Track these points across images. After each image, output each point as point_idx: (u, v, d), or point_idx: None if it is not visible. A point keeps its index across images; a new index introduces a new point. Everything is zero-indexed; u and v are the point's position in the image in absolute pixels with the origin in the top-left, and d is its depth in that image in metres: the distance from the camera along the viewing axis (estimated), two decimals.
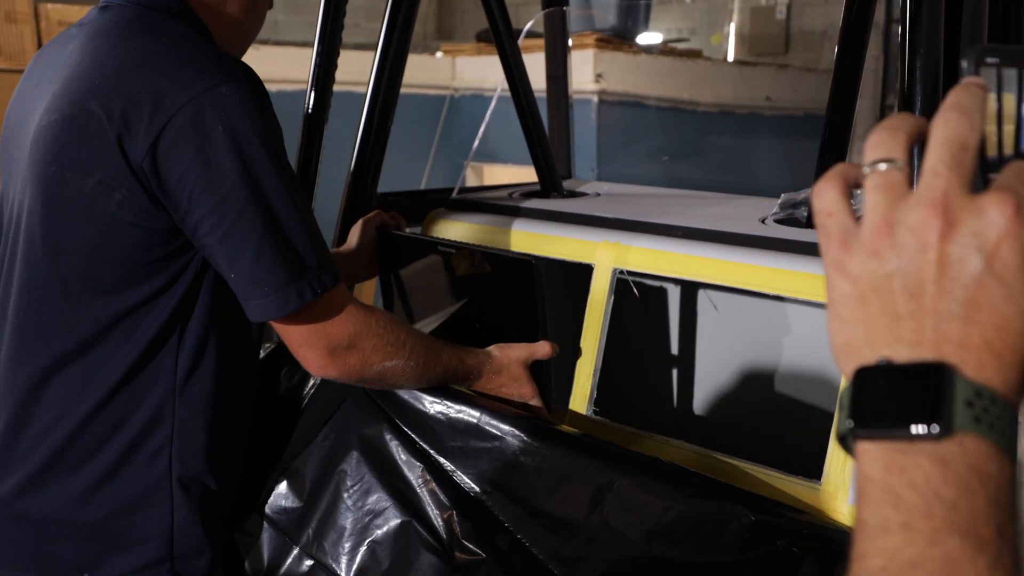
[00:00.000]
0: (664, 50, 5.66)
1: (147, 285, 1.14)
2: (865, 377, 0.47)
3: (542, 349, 1.38)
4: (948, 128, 0.47)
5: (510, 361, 1.37)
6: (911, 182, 0.49)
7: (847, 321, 0.48)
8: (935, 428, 0.44)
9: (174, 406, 1.18)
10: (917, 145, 0.50)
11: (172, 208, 1.11)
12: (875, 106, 6.65)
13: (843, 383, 0.50)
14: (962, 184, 0.46)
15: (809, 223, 1.42)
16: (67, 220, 1.12)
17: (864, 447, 0.46)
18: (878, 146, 0.50)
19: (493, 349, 1.37)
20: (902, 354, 0.46)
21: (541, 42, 2.27)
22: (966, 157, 0.47)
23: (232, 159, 1.07)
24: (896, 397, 0.45)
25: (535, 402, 1.39)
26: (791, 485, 1.22)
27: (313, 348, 1.15)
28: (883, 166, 0.49)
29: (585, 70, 4.69)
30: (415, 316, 1.69)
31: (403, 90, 1.80)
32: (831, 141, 1.38)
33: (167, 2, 1.18)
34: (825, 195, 0.51)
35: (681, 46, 6.04)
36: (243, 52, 1.33)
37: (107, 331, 1.15)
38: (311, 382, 1.32)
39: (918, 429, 0.44)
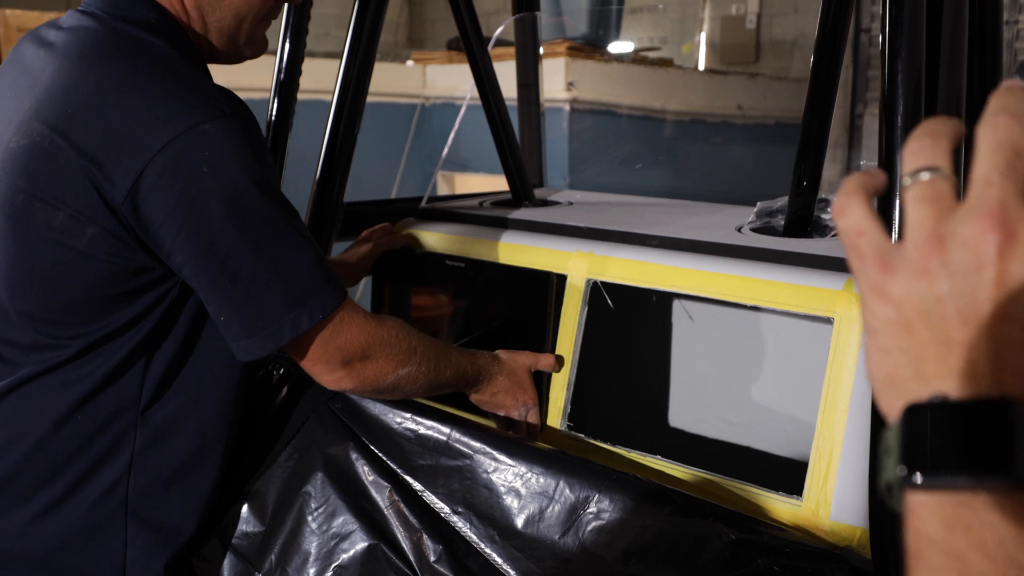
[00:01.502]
0: (636, 59, 5.67)
1: (117, 315, 1.09)
2: (917, 416, 0.40)
3: (546, 360, 1.38)
4: (998, 133, 0.42)
5: (517, 365, 1.35)
6: (958, 192, 0.43)
7: (890, 351, 0.42)
8: (1007, 478, 0.38)
9: (135, 434, 1.13)
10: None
11: (155, 248, 1.05)
12: (845, 115, 6.70)
13: (889, 422, 0.43)
14: (1018, 193, 0.41)
15: (787, 231, 1.39)
16: (32, 249, 1.06)
17: (919, 500, 0.40)
18: (918, 153, 0.44)
19: (500, 353, 1.36)
20: (958, 388, 0.40)
21: (512, 50, 2.24)
22: (1020, 163, 0.41)
23: (218, 201, 1.02)
24: (957, 440, 0.39)
25: (533, 413, 1.37)
26: (771, 501, 1.19)
27: (327, 364, 1.12)
28: (926, 175, 0.44)
29: (557, 78, 4.68)
30: (423, 330, 1.66)
31: (373, 99, 1.76)
32: (808, 147, 1.36)
33: (148, 14, 1.10)
34: (851, 212, 0.45)
35: (652, 55, 6.06)
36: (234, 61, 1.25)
37: (71, 358, 1.09)
38: (274, 400, 1.27)
39: (988, 479, 0.38)
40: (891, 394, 0.43)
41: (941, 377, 0.40)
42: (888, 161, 1.00)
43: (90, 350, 1.09)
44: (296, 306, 1.06)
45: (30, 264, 1.06)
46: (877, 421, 1.00)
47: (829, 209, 1.42)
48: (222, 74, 1.15)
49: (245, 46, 1.22)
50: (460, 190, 4.97)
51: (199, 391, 1.16)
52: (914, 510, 0.40)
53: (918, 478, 0.39)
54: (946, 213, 0.42)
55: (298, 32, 1.71)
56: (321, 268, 1.10)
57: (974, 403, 0.39)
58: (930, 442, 0.39)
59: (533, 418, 1.37)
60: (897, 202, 0.96)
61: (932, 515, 0.39)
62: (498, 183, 1.99)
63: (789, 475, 1.19)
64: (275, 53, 1.72)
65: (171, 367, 1.14)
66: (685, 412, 1.36)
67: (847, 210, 0.46)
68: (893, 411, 0.42)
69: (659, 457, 1.31)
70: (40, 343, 1.09)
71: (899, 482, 0.40)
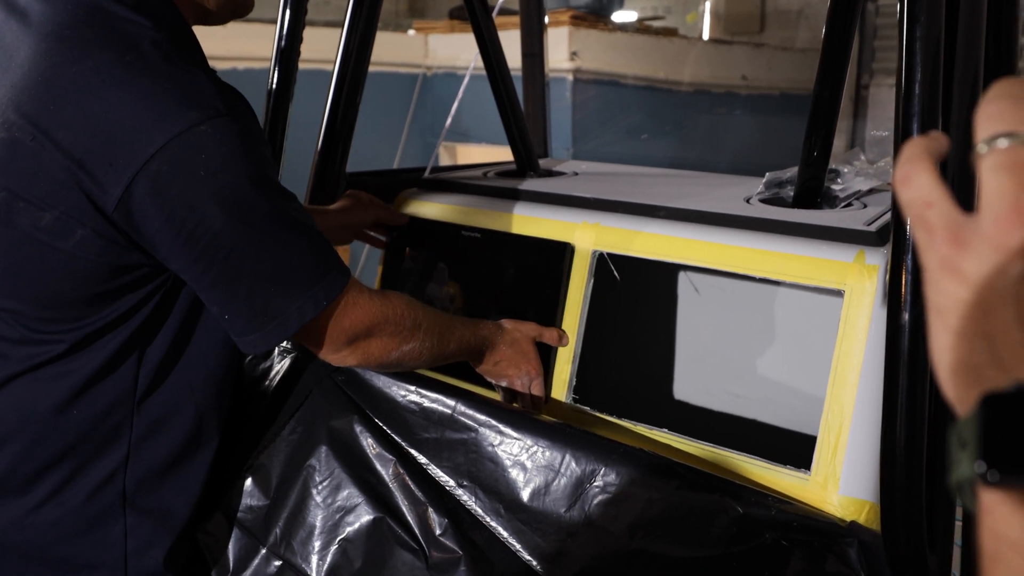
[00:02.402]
0: (639, 28, 5.62)
1: (108, 310, 1.06)
2: (998, 407, 0.36)
3: (551, 333, 1.37)
4: None
5: (521, 335, 1.34)
6: None
7: (963, 335, 0.39)
8: None
9: (131, 425, 1.11)
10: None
11: (151, 250, 1.02)
12: (851, 86, 6.64)
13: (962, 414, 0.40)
14: None
15: (797, 202, 1.37)
16: (17, 248, 1.02)
17: (997, 498, 0.37)
18: (996, 118, 0.40)
19: (505, 322, 1.35)
20: None
21: (515, 19, 2.20)
22: None
23: (217, 204, 0.98)
24: None
25: (537, 384, 1.36)
26: (779, 476, 1.18)
27: (332, 344, 1.11)
28: (1005, 141, 0.40)
29: (560, 48, 4.63)
30: (426, 302, 1.64)
31: (374, 69, 1.74)
32: (819, 117, 1.33)
33: None
34: (918, 181, 0.42)
35: (656, 24, 5.99)
36: (237, 10, 1.21)
37: (63, 353, 1.07)
38: (276, 372, 1.26)
39: None
40: (964, 382, 0.39)
41: (1022, 363, 0.37)
42: (904, 131, 0.97)
43: (82, 345, 1.07)
44: (301, 296, 1.05)
45: (15, 262, 1.03)
46: (906, 397, 0.98)
47: (839, 180, 1.40)
48: (224, 43, 1.12)
49: (237, 1, 1.19)
50: (462, 161, 4.94)
51: (194, 380, 1.15)
52: (991, 509, 0.37)
53: (997, 475, 0.36)
54: None
55: (298, 0, 1.68)
56: (324, 254, 1.08)
57: None
58: (1012, 436, 0.36)
59: (537, 389, 1.36)
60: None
61: (1013, 515, 0.36)
62: (501, 154, 1.97)
63: (797, 449, 1.18)
64: (275, 22, 1.69)
65: (166, 358, 1.12)
66: (692, 385, 1.35)
67: (912, 179, 0.42)
68: (966, 401, 0.39)
69: (665, 430, 1.30)
70: (29, 339, 1.06)
71: (975, 479, 0.36)
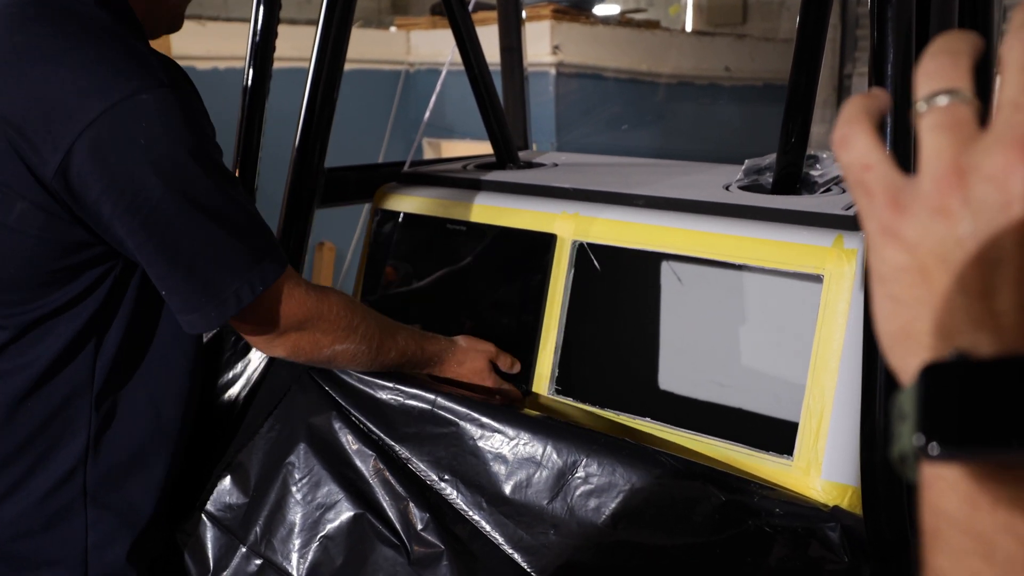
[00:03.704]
0: (622, 21, 5.61)
1: (56, 294, 1.05)
2: (937, 377, 0.34)
3: (504, 359, 1.36)
4: None
5: (476, 353, 1.32)
6: (981, 118, 0.37)
7: (903, 302, 0.37)
8: None
9: (89, 419, 1.10)
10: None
11: (92, 223, 1.01)
12: (833, 75, 6.66)
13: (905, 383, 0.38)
14: None
15: (776, 188, 1.37)
16: None
17: (938, 472, 0.35)
18: (934, 75, 0.38)
19: (460, 339, 1.33)
20: (984, 345, 0.34)
21: (494, 15, 2.20)
22: None
23: (156, 175, 0.97)
24: (983, 405, 0.33)
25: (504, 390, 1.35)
26: (761, 462, 1.18)
27: (263, 331, 1.10)
28: (944, 99, 0.38)
29: (542, 42, 4.62)
30: (406, 296, 1.63)
31: (357, 66, 1.73)
32: (796, 103, 1.33)
33: None
34: (856, 143, 0.40)
35: (639, 17, 5.99)
36: (173, 22, 1.20)
37: (12, 339, 1.05)
38: (254, 370, 1.25)
39: (1017, 450, 0.32)
40: (905, 351, 0.37)
41: (963, 331, 0.35)
42: (903, 138, 0.97)
43: (30, 330, 1.05)
44: (238, 279, 1.04)
45: None
46: (885, 380, 0.98)
47: (818, 165, 1.39)
48: (205, 43, 1.11)
49: (178, 18, 1.19)
50: (446, 156, 4.92)
51: (153, 372, 1.14)
52: (932, 484, 0.36)
53: (937, 448, 0.34)
54: (968, 143, 0.37)
55: None
56: (263, 239, 1.07)
57: (1003, 361, 0.34)
58: (952, 407, 0.34)
59: None
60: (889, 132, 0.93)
61: (953, 490, 0.35)
62: (486, 149, 1.96)
63: (779, 435, 1.18)
64: (249, 20, 1.68)
65: (122, 348, 1.10)
66: (674, 374, 1.35)
67: (850, 140, 0.40)
68: (907, 370, 0.37)
69: (648, 420, 1.29)
70: None
71: (915, 452, 0.34)
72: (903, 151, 0.92)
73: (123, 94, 0.94)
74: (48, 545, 1.10)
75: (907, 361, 0.37)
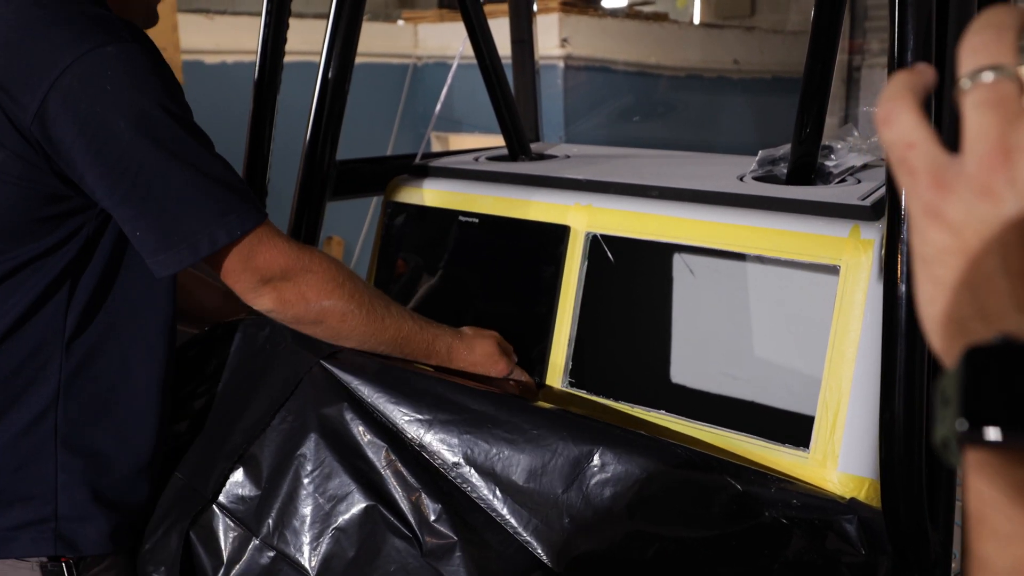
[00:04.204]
0: (630, 13, 5.59)
1: (33, 244, 1.09)
2: (981, 361, 0.34)
3: (506, 344, 1.34)
4: None
5: (484, 339, 1.31)
6: None
7: (947, 284, 0.36)
8: None
9: (60, 364, 1.14)
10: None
11: (67, 170, 1.06)
12: (842, 67, 6.62)
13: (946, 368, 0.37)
14: None
15: (790, 179, 1.36)
16: None
17: (983, 458, 0.34)
18: (979, 50, 0.37)
19: (464, 329, 1.32)
20: None
21: (504, 7, 2.19)
22: None
23: (125, 118, 1.03)
24: None
25: (516, 376, 1.33)
26: (778, 455, 1.17)
27: (247, 281, 1.12)
28: (989, 75, 0.37)
29: (550, 35, 4.61)
30: (419, 288, 1.63)
31: (365, 59, 1.72)
32: (811, 93, 1.32)
33: None
34: (899, 120, 0.39)
35: (647, 9, 5.97)
36: (148, 17, 1.25)
37: None
38: (264, 363, 1.24)
39: None
40: (948, 334, 0.37)
41: (1008, 315, 0.34)
42: (942, 115, 0.96)
43: (6, 279, 1.10)
44: (213, 221, 1.07)
45: None
46: (904, 371, 0.97)
47: (833, 155, 1.38)
48: (213, 37, 1.12)
49: (153, 14, 1.26)
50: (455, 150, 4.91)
51: (123, 325, 1.17)
52: (977, 469, 0.35)
53: (982, 433, 0.33)
54: (1014, 120, 0.36)
55: None
56: (239, 186, 1.10)
57: None
58: (997, 392, 0.33)
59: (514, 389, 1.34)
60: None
61: (999, 475, 0.34)
62: (494, 142, 1.95)
63: (795, 427, 1.17)
64: (259, 14, 1.68)
65: (94, 298, 1.14)
66: (689, 366, 1.34)
67: (893, 118, 0.39)
68: (951, 354, 0.36)
69: (663, 412, 1.28)
70: None
71: (959, 437, 0.34)
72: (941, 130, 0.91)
73: (90, 46, 1.03)
74: (20, 483, 1.13)
75: (951, 345, 0.36)
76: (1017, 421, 0.32)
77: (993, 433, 0.33)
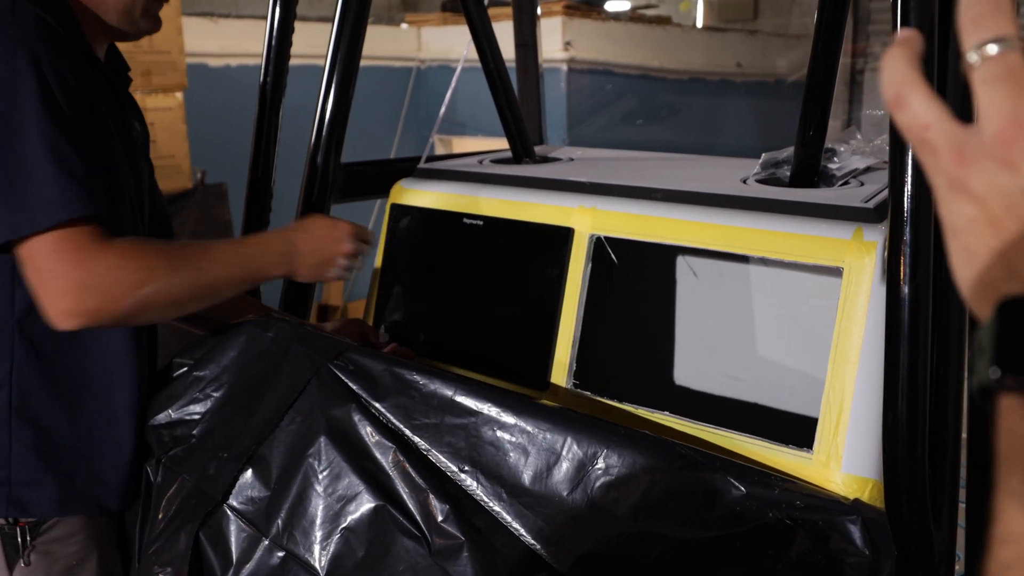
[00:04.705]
0: (633, 17, 5.60)
1: None
2: (1012, 312, 0.36)
3: (362, 231, 1.36)
4: None
5: (313, 226, 1.34)
6: None
7: (977, 252, 0.38)
8: None
9: (13, 341, 1.20)
10: None
11: None
12: (845, 71, 6.63)
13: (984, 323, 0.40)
14: None
15: (794, 181, 1.36)
16: None
17: (1013, 402, 0.37)
18: (980, 22, 0.38)
19: (293, 224, 1.36)
20: None
21: (507, 11, 2.20)
22: None
23: None
24: None
25: (350, 245, 1.34)
26: (781, 456, 1.18)
27: (46, 293, 1.10)
28: (994, 47, 0.38)
29: (554, 38, 4.62)
30: (424, 290, 1.64)
31: (368, 62, 1.73)
32: (814, 96, 1.33)
33: None
34: (911, 102, 0.40)
35: (650, 13, 5.98)
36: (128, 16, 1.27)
37: None
38: (273, 364, 1.25)
39: None
40: (982, 296, 0.38)
41: None
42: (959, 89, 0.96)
43: None
44: (19, 211, 1.07)
45: None
46: (907, 372, 0.98)
47: (836, 158, 1.39)
48: (218, 40, 1.13)
49: (141, 18, 1.28)
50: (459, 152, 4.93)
51: None
52: (1008, 412, 0.37)
53: (1013, 379, 0.36)
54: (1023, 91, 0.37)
55: None
56: (61, 185, 1.09)
57: None
58: None
59: (358, 264, 1.37)
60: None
61: None
62: (497, 145, 1.96)
63: (799, 429, 1.18)
64: (265, 17, 1.69)
65: None
66: (692, 368, 1.35)
67: (905, 100, 0.40)
68: (985, 312, 0.38)
69: (667, 413, 1.29)
70: None
71: (993, 384, 0.36)
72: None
73: None
74: None
75: (986, 306, 0.38)
76: None
77: (1021, 377, 0.35)
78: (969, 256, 0.39)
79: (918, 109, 0.40)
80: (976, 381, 0.37)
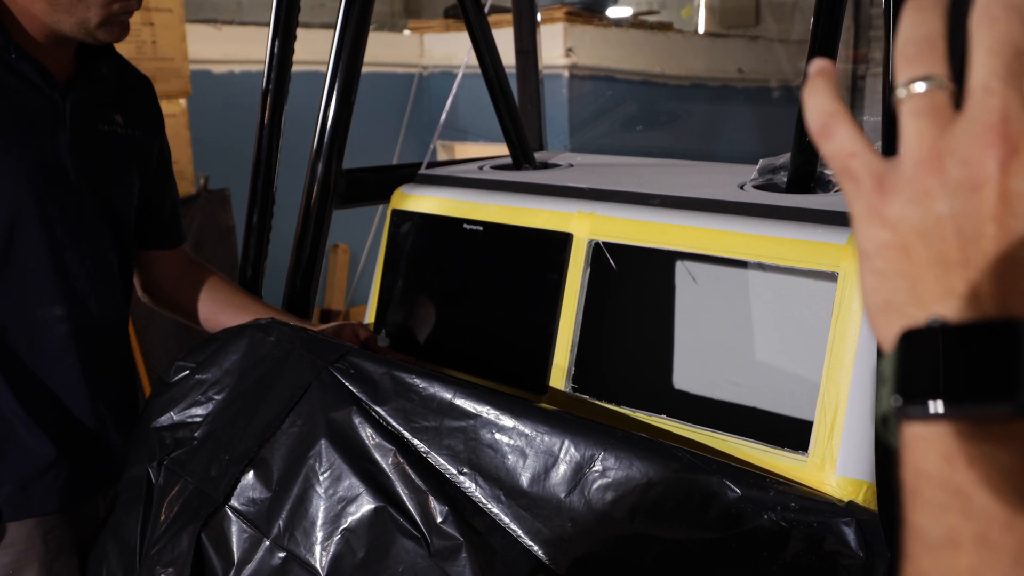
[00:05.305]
0: (634, 23, 5.61)
1: None
2: (914, 342, 0.37)
3: None
4: (996, 30, 0.37)
5: None
6: (957, 102, 0.39)
7: (886, 275, 0.39)
8: (1012, 406, 0.34)
9: None
10: None
11: None
12: (846, 76, 6.64)
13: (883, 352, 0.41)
14: (1021, 100, 0.37)
15: (790, 187, 1.38)
16: None
17: (916, 432, 0.37)
18: (913, 60, 0.40)
19: None
20: (958, 311, 0.36)
21: (508, 17, 2.22)
22: (1021, 65, 0.37)
23: None
24: (957, 366, 0.35)
25: None
26: (777, 458, 1.19)
27: None
28: (922, 85, 0.39)
29: (555, 44, 4.64)
30: (425, 296, 1.65)
31: (371, 69, 1.75)
32: None
33: None
34: (838, 133, 0.41)
35: (651, 19, 5.99)
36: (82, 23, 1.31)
37: None
38: (274, 367, 1.27)
39: (990, 408, 0.34)
40: (887, 320, 0.39)
41: (940, 300, 0.37)
42: (892, 120, 0.98)
43: None
44: None
45: None
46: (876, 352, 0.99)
47: None
48: (220, 47, 1.14)
49: (98, 30, 1.32)
50: (460, 159, 4.94)
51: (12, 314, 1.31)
52: (911, 444, 0.37)
53: (914, 408, 0.36)
54: (945, 127, 0.39)
55: (290, 2, 1.69)
56: None
57: (976, 325, 0.36)
58: (927, 369, 0.36)
59: None
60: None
61: (930, 449, 0.36)
62: (499, 151, 1.98)
63: (794, 431, 1.19)
64: (268, 24, 1.70)
65: None
66: (689, 371, 1.36)
67: (832, 130, 0.42)
68: (889, 339, 0.39)
69: (664, 417, 1.30)
70: None
71: (894, 414, 0.37)
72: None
73: None
74: None
75: (889, 331, 0.39)
76: (946, 395, 0.35)
77: (924, 407, 0.36)
78: (878, 279, 0.40)
79: (844, 139, 0.41)
80: (879, 411, 0.38)
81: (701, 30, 7.38)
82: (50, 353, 1.36)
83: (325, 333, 1.50)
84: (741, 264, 1.28)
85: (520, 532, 1.06)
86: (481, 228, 1.57)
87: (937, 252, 0.38)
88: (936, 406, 0.35)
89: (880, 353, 0.40)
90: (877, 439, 1.03)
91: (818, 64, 0.44)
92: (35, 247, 1.33)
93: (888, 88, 0.99)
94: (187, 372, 1.38)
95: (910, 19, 0.41)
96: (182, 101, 3.92)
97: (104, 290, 1.43)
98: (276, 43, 1.69)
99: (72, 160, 1.36)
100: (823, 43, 1.33)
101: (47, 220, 1.34)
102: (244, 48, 4.68)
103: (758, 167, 1.48)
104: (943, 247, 0.37)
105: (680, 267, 1.36)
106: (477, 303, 1.59)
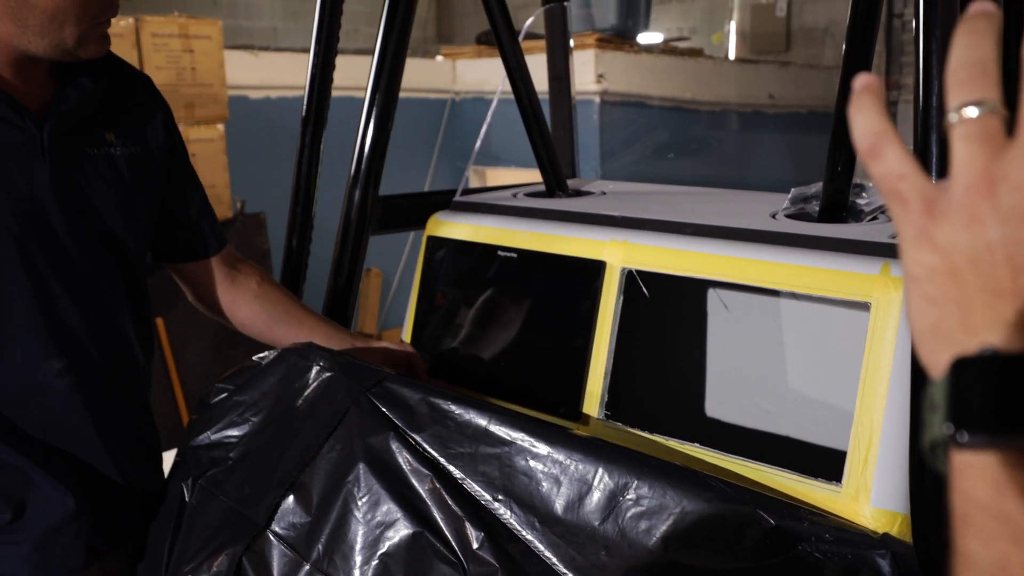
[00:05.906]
0: (665, 49, 5.64)
1: None
2: (966, 370, 0.37)
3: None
4: None
5: None
6: (1010, 127, 0.39)
7: (935, 301, 0.39)
8: None
9: None
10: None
11: None
12: None
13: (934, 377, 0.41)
14: None
15: (822, 216, 1.38)
16: None
17: (967, 460, 0.37)
18: (966, 85, 0.40)
19: None
20: (1008, 340, 0.37)
21: (541, 43, 2.24)
22: None
23: None
24: (1009, 396, 0.35)
25: None
26: (810, 489, 1.19)
27: None
28: (974, 110, 0.40)
29: (586, 70, 4.67)
30: (459, 322, 1.67)
31: (403, 94, 1.78)
32: (842, 132, 1.35)
33: None
34: (888, 155, 0.41)
35: (682, 45, 6.02)
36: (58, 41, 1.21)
37: None
38: (313, 393, 1.29)
39: None
40: (936, 346, 0.39)
41: (991, 328, 0.37)
42: (924, 146, 0.99)
43: None
44: None
45: None
46: (920, 376, 0.99)
47: (864, 194, 1.41)
48: (258, 73, 1.17)
49: (76, 48, 1.22)
50: (492, 184, 4.98)
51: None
52: (961, 471, 0.37)
53: (965, 436, 0.36)
54: (997, 153, 0.39)
55: (331, 29, 1.73)
56: None
57: None
58: (979, 398, 0.36)
59: None
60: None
61: (981, 476, 0.37)
62: (530, 177, 2.00)
63: (828, 462, 1.19)
64: (308, 52, 1.74)
65: None
66: (722, 400, 1.36)
67: (881, 152, 0.42)
68: (938, 365, 0.39)
69: (697, 445, 1.31)
70: None
71: (945, 441, 0.37)
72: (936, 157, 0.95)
73: None
74: None
75: (938, 356, 0.39)
76: (998, 424, 0.36)
77: (976, 436, 0.36)
78: (927, 304, 0.40)
79: (893, 161, 0.42)
80: (929, 438, 0.38)
81: (732, 56, 7.40)
82: (57, 409, 1.28)
83: (374, 353, 1.51)
84: (774, 293, 1.28)
85: (555, 560, 1.07)
86: (515, 255, 1.59)
87: (987, 279, 0.38)
88: (987, 435, 0.36)
89: (924, 378, 0.40)
90: (912, 470, 1.03)
91: (863, 79, 0.44)
92: (18, 298, 1.23)
93: (921, 113, 0.99)
94: (225, 394, 1.41)
95: (962, 43, 0.41)
96: (220, 126, 4.00)
97: (108, 333, 1.33)
98: (316, 71, 1.73)
99: (56, 194, 1.24)
100: (855, 69, 1.34)
101: (30, 267, 1.23)
102: (280, 74, 4.76)
103: (790, 196, 1.49)
104: (994, 274, 0.38)
105: (712, 295, 1.37)
106: (511, 330, 1.60)
